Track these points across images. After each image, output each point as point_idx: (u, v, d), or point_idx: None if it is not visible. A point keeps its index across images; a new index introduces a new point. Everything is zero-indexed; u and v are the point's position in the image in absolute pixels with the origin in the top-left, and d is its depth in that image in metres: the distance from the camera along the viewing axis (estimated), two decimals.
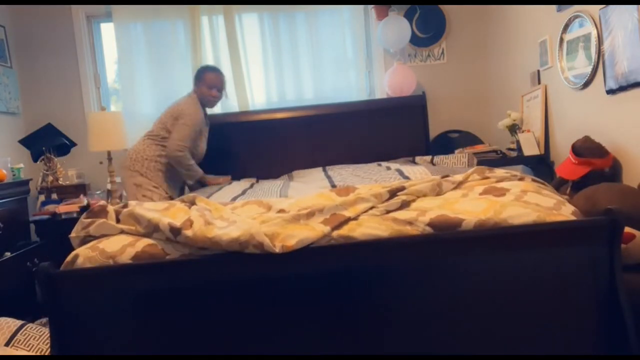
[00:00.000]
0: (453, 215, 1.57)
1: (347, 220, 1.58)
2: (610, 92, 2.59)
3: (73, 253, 1.57)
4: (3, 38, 3.75)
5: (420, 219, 1.57)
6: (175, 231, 1.53)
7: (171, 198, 3.21)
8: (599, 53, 2.66)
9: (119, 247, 1.55)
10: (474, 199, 1.70)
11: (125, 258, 1.52)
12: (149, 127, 3.35)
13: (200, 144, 3.36)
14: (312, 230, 1.51)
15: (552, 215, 1.56)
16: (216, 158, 3.63)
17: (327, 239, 1.52)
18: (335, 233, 1.54)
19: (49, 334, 1.84)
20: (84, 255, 1.55)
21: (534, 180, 1.86)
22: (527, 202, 1.63)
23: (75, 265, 1.54)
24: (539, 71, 3.41)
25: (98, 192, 3.79)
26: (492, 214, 1.56)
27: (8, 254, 3.01)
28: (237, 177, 3.54)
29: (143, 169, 3.23)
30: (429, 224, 1.55)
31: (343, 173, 2.95)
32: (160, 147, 3.25)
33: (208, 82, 3.33)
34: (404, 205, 1.68)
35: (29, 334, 2.10)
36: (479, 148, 3.60)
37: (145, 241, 1.56)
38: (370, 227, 1.55)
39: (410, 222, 1.56)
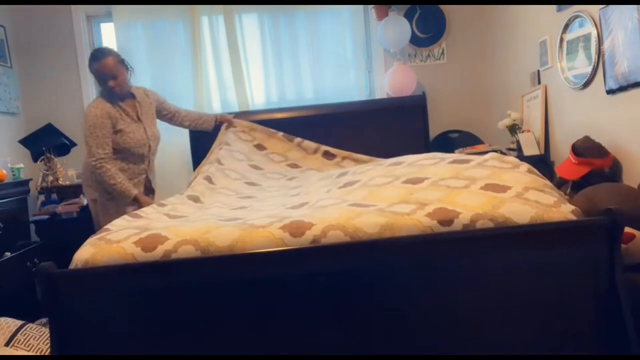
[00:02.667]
0: (451, 208, 1.58)
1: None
2: (610, 92, 2.59)
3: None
4: (3, 38, 3.74)
5: (419, 212, 1.58)
6: None
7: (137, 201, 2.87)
8: (599, 53, 2.66)
9: (123, 236, 1.59)
10: (474, 192, 1.69)
11: (129, 242, 1.54)
12: None
13: (122, 137, 2.92)
14: None
15: (551, 212, 1.56)
16: None
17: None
18: (334, 227, 1.54)
19: (49, 334, 1.84)
20: (89, 243, 1.59)
21: (530, 171, 1.85)
22: (527, 199, 1.62)
23: (84, 256, 1.54)
24: (539, 71, 3.41)
25: None
26: (490, 208, 1.56)
27: (8, 254, 3.01)
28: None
29: (90, 181, 3.00)
30: (428, 215, 1.56)
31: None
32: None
33: (97, 75, 2.86)
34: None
35: (29, 334, 2.10)
36: (479, 148, 3.60)
37: (148, 232, 1.59)
38: (367, 222, 1.56)
39: (408, 214, 1.57)
